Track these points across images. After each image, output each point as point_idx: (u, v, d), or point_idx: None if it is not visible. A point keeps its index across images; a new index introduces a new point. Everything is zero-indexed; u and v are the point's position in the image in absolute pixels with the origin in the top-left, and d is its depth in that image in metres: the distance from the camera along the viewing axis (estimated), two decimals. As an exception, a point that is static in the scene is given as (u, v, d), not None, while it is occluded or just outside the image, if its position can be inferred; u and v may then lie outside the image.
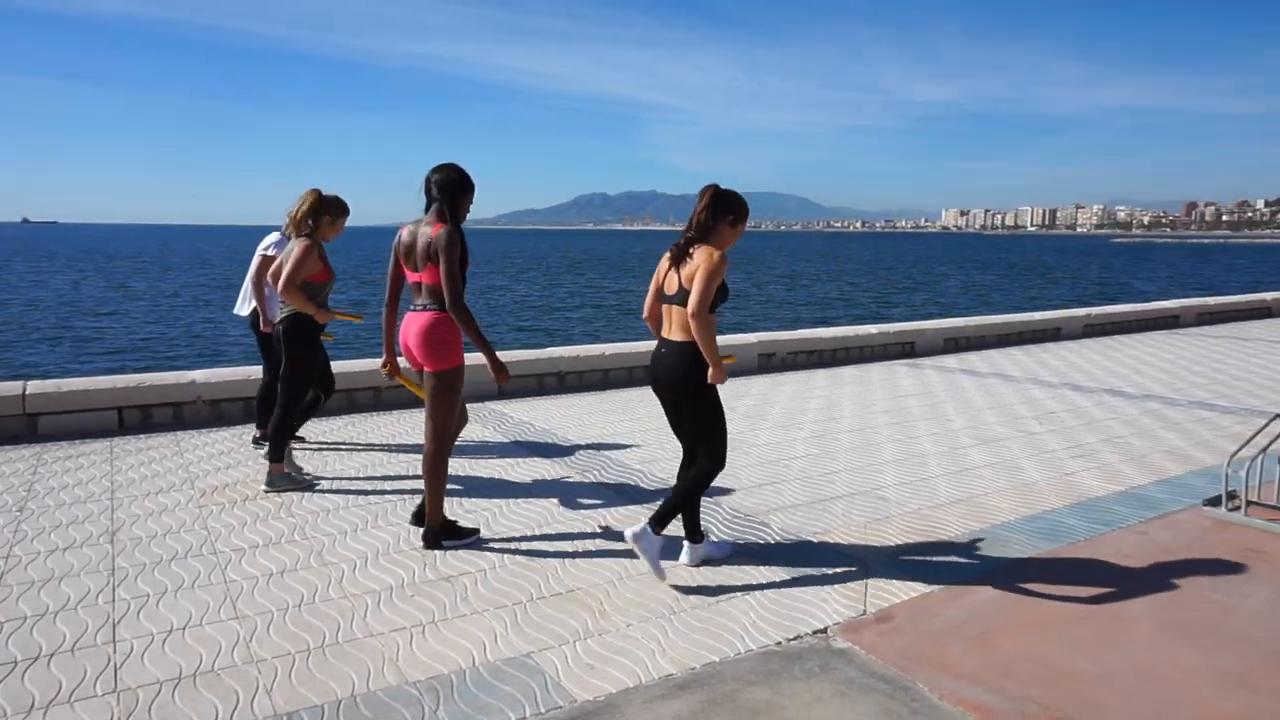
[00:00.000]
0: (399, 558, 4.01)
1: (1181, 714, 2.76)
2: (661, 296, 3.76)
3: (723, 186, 3.69)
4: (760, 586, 3.72)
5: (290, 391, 5.04)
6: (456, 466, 5.52)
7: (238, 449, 5.89)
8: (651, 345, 3.96)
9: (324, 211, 5.05)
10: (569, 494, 4.99)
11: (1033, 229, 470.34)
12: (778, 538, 4.29)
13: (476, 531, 4.29)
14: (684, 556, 3.96)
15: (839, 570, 3.90)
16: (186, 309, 29.61)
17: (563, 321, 27.51)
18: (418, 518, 4.34)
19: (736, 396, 7.88)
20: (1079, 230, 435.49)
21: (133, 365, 17.56)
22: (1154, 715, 2.75)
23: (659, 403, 3.93)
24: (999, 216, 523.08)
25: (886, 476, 5.37)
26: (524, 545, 4.19)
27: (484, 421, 6.80)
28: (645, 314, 3.91)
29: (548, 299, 35.55)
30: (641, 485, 5.18)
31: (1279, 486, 4.72)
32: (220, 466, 5.47)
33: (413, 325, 4.03)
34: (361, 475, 5.33)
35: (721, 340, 9.30)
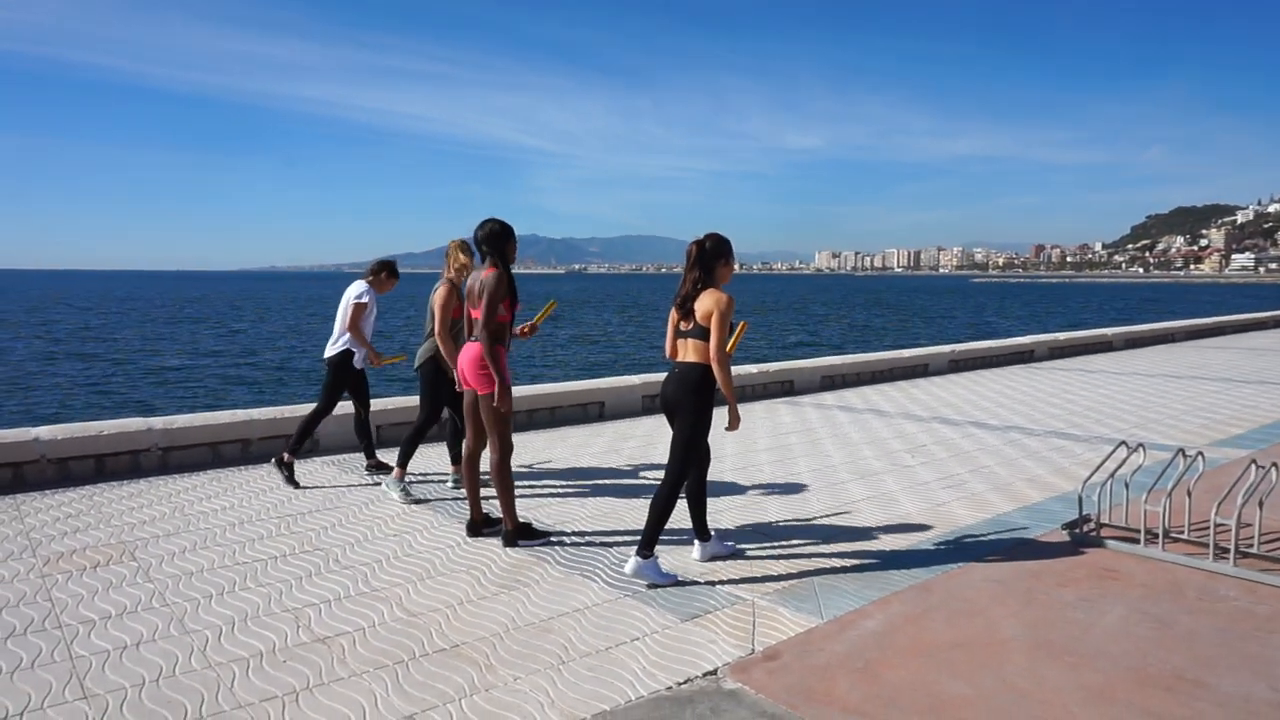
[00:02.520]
0: (269, 620, 3.78)
1: (1052, 732, 2.88)
2: (678, 333, 4.38)
3: (713, 236, 4.37)
4: (650, 630, 3.69)
5: (429, 413, 5.94)
6: (339, 516, 5.28)
7: (87, 511, 5.45)
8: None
9: (457, 254, 5.92)
10: (453, 544, 4.84)
11: (899, 270, 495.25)
12: (665, 579, 4.27)
13: (549, 534, 4.95)
14: (695, 553, 4.58)
15: (727, 610, 3.92)
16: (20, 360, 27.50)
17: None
18: (472, 527, 4.95)
19: (622, 439, 7.89)
20: (942, 271, 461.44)
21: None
22: (1027, 735, 2.86)
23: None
24: (868, 259, 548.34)
25: (770, 514, 5.46)
26: (405, 600, 4.02)
27: (362, 473, 6.54)
28: (668, 352, 4.48)
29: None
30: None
31: (1127, 509, 5.07)
32: (67, 531, 5.05)
33: (467, 354, 4.77)
34: (232, 531, 5.02)
35: (604, 382, 9.33)
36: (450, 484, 6.19)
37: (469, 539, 4.93)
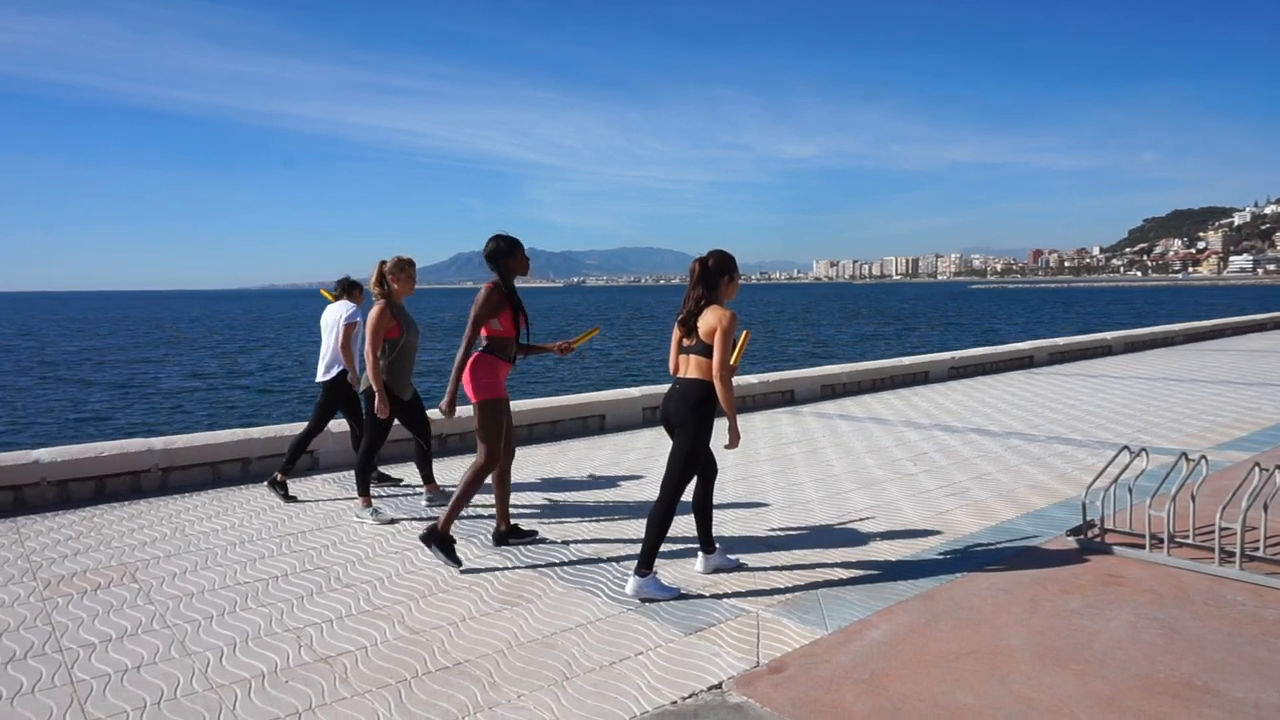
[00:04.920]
0: (271, 641, 3.76)
1: (1060, 741, 2.85)
2: (681, 349, 4.40)
3: (716, 253, 4.38)
4: (654, 645, 3.67)
5: (371, 439, 5.79)
6: (339, 534, 5.26)
7: (88, 533, 5.44)
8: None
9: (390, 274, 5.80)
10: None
11: (898, 277, 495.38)
12: (666, 593, 4.25)
13: (459, 562, 4.72)
14: (698, 565, 4.58)
15: (731, 622, 3.89)
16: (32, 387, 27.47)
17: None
18: (499, 537, 5.08)
19: (622, 451, 7.87)
20: (940, 278, 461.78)
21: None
22: (1036, 745, 2.83)
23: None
24: (866, 267, 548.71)
25: (772, 524, 5.44)
26: (407, 618, 4.00)
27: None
28: (671, 368, 4.49)
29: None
30: (528, 548, 5.06)
31: (1131, 514, 5.05)
32: (68, 554, 5.03)
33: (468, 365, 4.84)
34: (233, 551, 5.00)
35: (604, 395, 9.31)
36: (425, 502, 6.11)
37: (495, 547, 5.04)
